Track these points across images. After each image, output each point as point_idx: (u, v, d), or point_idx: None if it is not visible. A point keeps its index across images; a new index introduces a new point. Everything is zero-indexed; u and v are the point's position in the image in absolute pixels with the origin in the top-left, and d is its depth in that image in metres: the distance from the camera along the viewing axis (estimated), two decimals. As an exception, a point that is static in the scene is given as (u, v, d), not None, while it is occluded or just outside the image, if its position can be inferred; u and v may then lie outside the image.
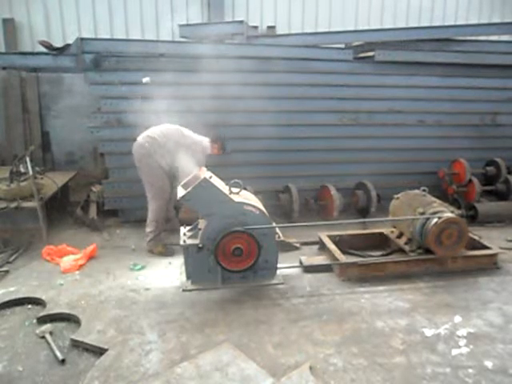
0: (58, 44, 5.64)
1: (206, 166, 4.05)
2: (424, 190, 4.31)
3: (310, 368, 2.66)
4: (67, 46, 5.34)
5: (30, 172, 4.75)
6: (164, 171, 4.47)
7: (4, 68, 6.36)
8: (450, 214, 3.93)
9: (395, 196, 4.51)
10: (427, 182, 5.24)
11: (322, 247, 4.47)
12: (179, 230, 3.86)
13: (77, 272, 4.05)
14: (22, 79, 6.52)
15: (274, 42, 6.25)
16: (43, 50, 5.58)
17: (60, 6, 7.57)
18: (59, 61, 5.31)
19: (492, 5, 9.15)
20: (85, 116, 6.04)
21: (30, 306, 3.52)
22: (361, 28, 8.13)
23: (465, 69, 6.11)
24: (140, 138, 4.48)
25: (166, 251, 4.53)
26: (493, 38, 7.08)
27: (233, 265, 3.54)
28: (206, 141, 4.67)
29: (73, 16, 7.62)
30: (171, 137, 4.47)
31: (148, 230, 4.57)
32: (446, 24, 8.24)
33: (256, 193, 4.46)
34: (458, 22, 8.74)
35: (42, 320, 3.27)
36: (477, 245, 4.27)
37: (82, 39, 5.24)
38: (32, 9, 7.51)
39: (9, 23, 7.40)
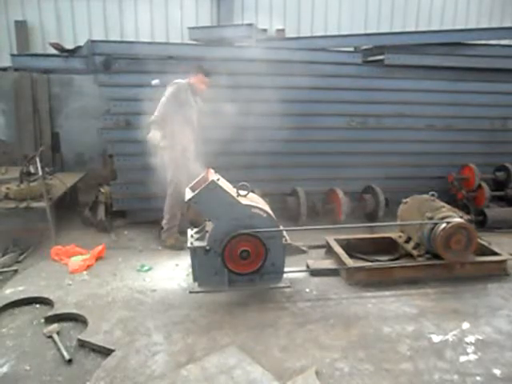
0: (69, 46, 5.70)
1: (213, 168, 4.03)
2: (433, 195, 4.28)
3: (316, 372, 2.65)
4: (78, 48, 5.40)
5: (40, 172, 4.79)
6: (175, 160, 4.56)
7: (16, 69, 6.44)
8: (458, 220, 3.89)
9: (403, 200, 4.48)
10: (436, 187, 5.19)
11: (329, 251, 4.45)
12: (186, 230, 3.88)
13: (85, 272, 4.07)
14: (33, 80, 6.60)
15: (283, 44, 6.25)
16: (54, 51, 5.64)
17: (71, 9, 7.67)
18: (70, 62, 5.37)
19: (503, 9, 9.09)
20: (94, 117, 6.09)
21: (37, 306, 3.55)
22: (370, 31, 8.11)
23: (475, 73, 6.07)
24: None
25: (177, 244, 4.64)
26: (504, 42, 7.03)
27: (239, 267, 3.54)
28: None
29: (84, 18, 7.71)
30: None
31: (163, 221, 4.75)
32: (457, 28, 8.19)
33: (263, 196, 4.46)
34: (469, 26, 8.69)
35: (50, 320, 3.30)
36: (486, 251, 4.22)
37: (93, 41, 5.29)
38: (44, 11, 7.61)
39: (21, 25, 7.51)
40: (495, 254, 4.16)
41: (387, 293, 3.72)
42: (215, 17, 8.15)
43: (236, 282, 3.59)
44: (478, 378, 2.66)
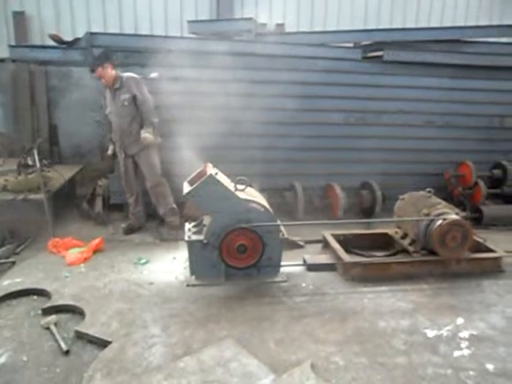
0: (68, 38, 5.67)
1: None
2: (429, 192, 4.30)
3: (312, 365, 2.67)
4: (77, 39, 5.37)
5: (38, 165, 4.79)
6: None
7: (13, 61, 6.39)
8: (454, 216, 3.91)
9: (400, 197, 4.50)
10: (433, 184, 5.21)
11: (326, 246, 4.47)
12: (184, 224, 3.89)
13: (82, 265, 4.08)
14: (31, 72, 6.55)
15: (282, 39, 6.24)
16: (53, 43, 5.61)
17: (70, 0, 7.60)
18: (68, 54, 5.34)
19: (503, 6, 9.09)
20: (92, 110, 6.07)
21: (35, 297, 3.57)
22: (370, 27, 8.11)
23: (474, 70, 6.06)
24: None
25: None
26: (503, 39, 7.03)
27: (237, 261, 3.56)
28: None
29: (83, 10, 7.66)
30: None
31: None
32: (456, 25, 8.19)
33: (261, 190, 4.48)
34: (469, 23, 8.68)
35: (47, 311, 3.31)
36: (481, 247, 4.25)
37: (92, 33, 5.27)
38: (42, 2, 7.55)
39: (19, 16, 7.45)
40: (490, 250, 4.19)
41: (383, 288, 3.75)
42: (215, 10, 8.12)
43: (233, 276, 3.61)
44: (471, 373, 2.69)
